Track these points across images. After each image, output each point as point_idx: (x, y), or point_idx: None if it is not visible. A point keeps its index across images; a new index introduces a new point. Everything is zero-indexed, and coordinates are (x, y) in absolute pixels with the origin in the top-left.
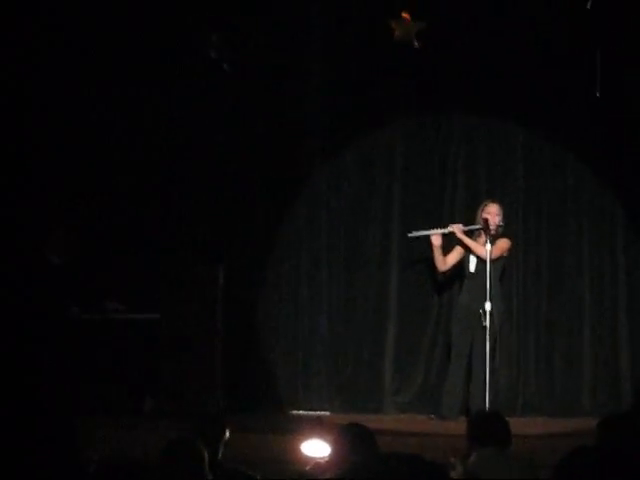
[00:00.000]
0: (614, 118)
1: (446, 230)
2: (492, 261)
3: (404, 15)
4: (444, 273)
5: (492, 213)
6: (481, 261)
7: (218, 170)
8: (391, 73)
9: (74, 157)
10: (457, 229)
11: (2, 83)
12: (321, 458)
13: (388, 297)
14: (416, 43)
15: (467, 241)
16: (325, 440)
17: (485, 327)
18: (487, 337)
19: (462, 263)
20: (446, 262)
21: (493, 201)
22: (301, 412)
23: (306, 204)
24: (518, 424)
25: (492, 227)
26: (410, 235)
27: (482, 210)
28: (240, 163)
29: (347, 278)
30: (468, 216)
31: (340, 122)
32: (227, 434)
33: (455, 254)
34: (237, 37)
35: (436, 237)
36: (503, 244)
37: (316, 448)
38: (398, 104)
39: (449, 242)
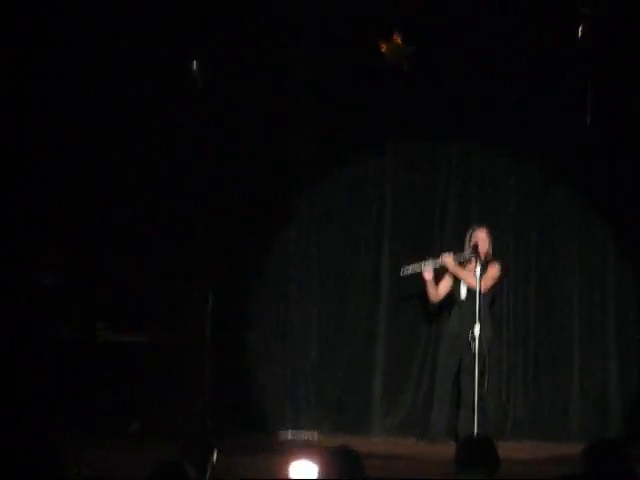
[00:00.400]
0: (604, 148)
1: (437, 263)
2: (483, 291)
3: (394, 38)
4: (436, 303)
5: (480, 238)
6: (471, 289)
7: (208, 195)
8: (382, 100)
9: (62, 177)
10: (448, 261)
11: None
12: None
13: (378, 321)
14: (406, 66)
15: (459, 272)
16: (313, 462)
17: (474, 352)
18: (476, 362)
19: (452, 290)
20: (439, 293)
21: (480, 226)
22: (289, 433)
23: (296, 231)
24: (507, 448)
25: (482, 253)
26: (403, 274)
27: (470, 236)
28: (230, 189)
29: (337, 302)
30: (458, 243)
31: (330, 149)
32: (215, 455)
33: (446, 283)
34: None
35: (428, 272)
36: (494, 271)
37: (304, 470)
38: (389, 131)
39: (439, 270)
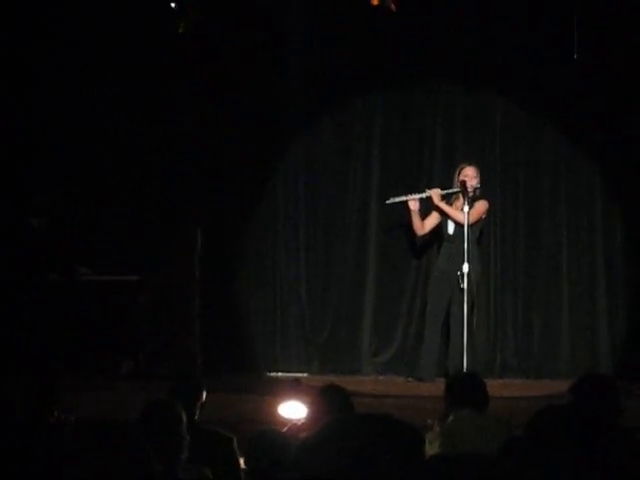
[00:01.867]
0: (592, 82)
1: (424, 195)
2: (470, 225)
3: None
4: (422, 237)
5: (469, 175)
6: (459, 224)
7: (199, 135)
8: (369, 41)
9: (56, 119)
10: (434, 194)
11: None
12: (298, 419)
13: (367, 260)
14: (393, 7)
15: (444, 207)
16: (302, 402)
17: (463, 289)
18: (465, 299)
19: (440, 226)
20: (424, 226)
21: (470, 164)
22: (279, 374)
23: (285, 170)
24: (496, 386)
25: (469, 189)
26: (388, 202)
27: (459, 173)
28: (220, 129)
29: (326, 242)
30: (445, 183)
31: (318, 91)
32: (204, 395)
33: (433, 218)
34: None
35: (414, 202)
36: (480, 207)
37: (293, 409)
38: (376, 73)
39: (427, 208)
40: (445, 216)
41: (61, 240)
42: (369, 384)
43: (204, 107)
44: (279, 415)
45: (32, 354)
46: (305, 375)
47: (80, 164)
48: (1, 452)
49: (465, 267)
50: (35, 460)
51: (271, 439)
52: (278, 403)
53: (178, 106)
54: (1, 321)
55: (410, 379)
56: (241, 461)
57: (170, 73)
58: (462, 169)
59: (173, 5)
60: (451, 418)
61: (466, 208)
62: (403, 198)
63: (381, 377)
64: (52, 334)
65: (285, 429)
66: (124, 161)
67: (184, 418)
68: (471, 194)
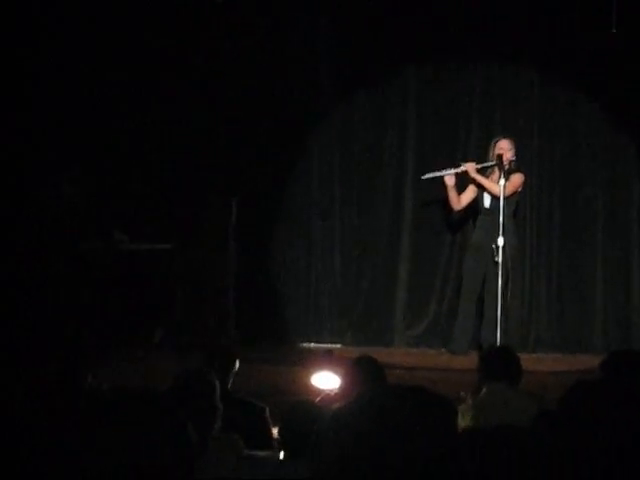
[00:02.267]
0: (629, 58)
1: (459, 169)
2: (506, 198)
3: None
4: (459, 212)
5: (504, 148)
6: (495, 197)
7: (233, 104)
8: (404, 15)
9: (85, 92)
10: (470, 167)
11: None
12: (331, 390)
13: (401, 233)
14: None
15: (481, 180)
16: (335, 372)
17: (497, 263)
18: (499, 273)
19: (476, 200)
20: (460, 201)
21: (505, 137)
22: (312, 345)
23: (320, 142)
24: (529, 360)
25: (505, 162)
26: (423, 177)
27: (494, 146)
28: (256, 99)
29: (360, 215)
30: (482, 156)
31: (355, 63)
32: (237, 365)
33: (469, 192)
34: None
35: (449, 177)
36: (517, 179)
37: (326, 380)
38: (410, 46)
39: (463, 181)
40: (481, 189)
41: (95, 208)
42: (402, 356)
43: (239, 80)
44: (312, 385)
45: (66, 322)
46: (338, 346)
47: (114, 133)
48: (32, 416)
49: (500, 240)
50: (68, 426)
51: (305, 410)
52: (311, 374)
53: (213, 78)
54: (36, 289)
55: (443, 351)
56: (274, 431)
57: (205, 46)
58: (497, 142)
59: None
60: (484, 391)
61: (502, 181)
62: (438, 173)
63: (414, 350)
64: (86, 302)
65: (318, 399)
66: (159, 130)
67: (217, 387)
68: (507, 167)
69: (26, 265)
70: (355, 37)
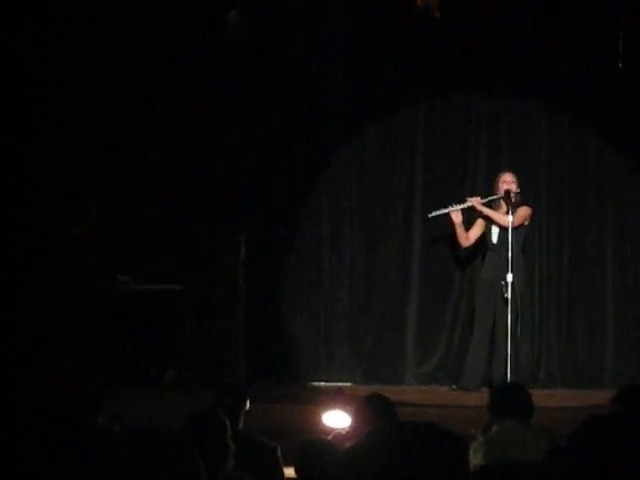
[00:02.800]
0: (636, 91)
1: (465, 205)
2: (514, 229)
3: None
4: (467, 249)
5: (507, 181)
6: (503, 231)
7: (242, 140)
8: (413, 50)
9: (94, 128)
10: (476, 202)
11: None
12: (342, 428)
13: (410, 270)
14: (437, 14)
15: (488, 212)
16: (346, 411)
17: (507, 299)
18: (509, 309)
19: (484, 235)
20: (469, 237)
21: (508, 170)
22: (322, 383)
23: (329, 178)
24: (540, 396)
25: (511, 196)
26: (430, 215)
27: (499, 180)
28: (264, 135)
29: (369, 251)
30: (490, 190)
31: (363, 99)
32: (248, 404)
33: (477, 228)
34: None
35: (456, 214)
36: (524, 212)
37: (337, 419)
38: (420, 82)
39: (470, 217)
40: (489, 223)
41: (104, 249)
42: (412, 393)
43: (249, 116)
44: (323, 424)
45: (76, 362)
46: (349, 384)
47: (122, 172)
48: (46, 456)
49: (509, 276)
50: (81, 466)
51: (319, 448)
52: (322, 412)
53: (223, 115)
54: (46, 329)
55: (454, 387)
56: (285, 470)
57: (217, 84)
58: (501, 175)
59: (231, 13)
60: (495, 428)
61: (510, 217)
62: (445, 210)
63: (424, 387)
64: (96, 342)
65: (329, 438)
66: (167, 169)
67: (228, 426)
68: (513, 200)
69: (37, 306)
70: (365, 71)
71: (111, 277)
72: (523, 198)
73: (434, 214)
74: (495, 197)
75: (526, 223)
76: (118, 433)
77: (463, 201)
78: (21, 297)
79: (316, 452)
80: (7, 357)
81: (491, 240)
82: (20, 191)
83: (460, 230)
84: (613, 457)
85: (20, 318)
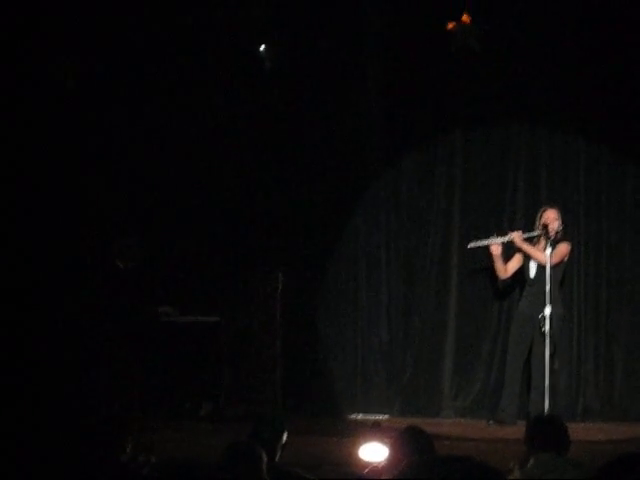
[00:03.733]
0: None
1: (505, 239)
2: (552, 267)
3: (464, 18)
4: (505, 281)
5: (551, 218)
6: (541, 267)
7: (279, 175)
8: (452, 81)
9: (137, 162)
10: (517, 237)
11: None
12: (379, 462)
13: (448, 302)
14: (476, 47)
15: (527, 248)
16: (383, 443)
17: (544, 332)
18: (547, 342)
19: (522, 270)
20: (507, 270)
21: (551, 206)
22: (359, 416)
23: (366, 211)
24: (578, 429)
25: (551, 232)
26: (470, 246)
27: (541, 216)
28: (301, 170)
29: (407, 283)
30: (528, 223)
31: (401, 130)
32: (285, 437)
33: (515, 261)
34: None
35: (496, 246)
36: (563, 249)
37: (374, 452)
38: (458, 113)
39: (509, 250)
40: (527, 258)
41: (147, 282)
42: (449, 427)
43: (286, 149)
44: (359, 457)
45: (114, 393)
46: (386, 417)
47: (162, 207)
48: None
49: (547, 310)
50: None
51: None
52: (359, 445)
53: (261, 149)
54: (88, 361)
55: (491, 422)
56: None
57: (254, 117)
58: (544, 212)
59: (262, 47)
60: (532, 461)
61: (548, 251)
62: (485, 242)
63: (462, 420)
64: (134, 374)
65: (366, 471)
66: (206, 203)
67: (265, 459)
68: (553, 237)
69: (79, 336)
70: (403, 103)
71: (154, 309)
72: (564, 235)
73: (474, 245)
74: (536, 234)
75: (565, 259)
76: (144, 465)
77: (504, 234)
78: (64, 327)
79: None
80: (49, 384)
81: (529, 275)
82: (65, 222)
83: (499, 262)
84: None
85: (62, 347)
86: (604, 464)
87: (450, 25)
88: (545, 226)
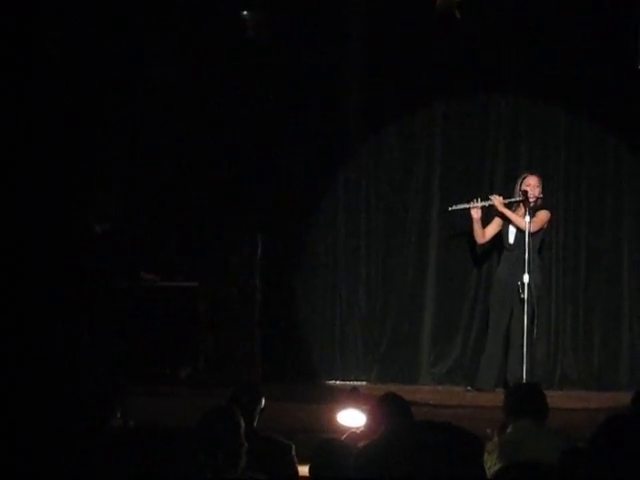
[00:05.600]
0: None
1: (486, 203)
2: (531, 234)
3: None
4: (483, 245)
5: (531, 185)
6: (520, 233)
7: (260, 139)
8: (432, 50)
9: (118, 125)
10: (497, 201)
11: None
12: (356, 428)
13: (427, 269)
14: (458, 14)
15: (507, 213)
16: (361, 410)
17: (523, 300)
18: (525, 310)
19: (501, 235)
20: (485, 235)
21: (532, 173)
22: (337, 382)
23: (346, 176)
24: (555, 397)
25: (531, 199)
26: (450, 209)
27: (521, 182)
28: (281, 135)
29: (386, 249)
30: (508, 190)
31: (381, 98)
32: (263, 403)
33: (494, 226)
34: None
35: (475, 210)
36: (542, 216)
37: (352, 418)
38: (439, 82)
39: (488, 215)
40: (507, 223)
41: (124, 247)
42: (427, 393)
43: (266, 115)
44: (338, 423)
45: (95, 359)
46: (364, 384)
47: (141, 171)
48: (63, 452)
49: (526, 277)
50: (96, 461)
51: (334, 448)
52: (337, 411)
53: (239, 114)
54: (65, 327)
55: (469, 389)
56: (300, 469)
57: (232, 83)
58: (524, 178)
59: (244, 13)
60: (510, 429)
61: (527, 218)
62: (466, 205)
63: (440, 387)
64: (114, 339)
65: (344, 437)
66: (186, 168)
67: (243, 425)
68: (532, 204)
69: (55, 303)
70: (384, 71)
71: (137, 274)
72: (543, 202)
73: (455, 208)
74: (516, 200)
75: (545, 227)
76: (132, 430)
77: (485, 198)
78: (38, 293)
79: (331, 452)
80: (24, 354)
81: (508, 240)
82: (40, 188)
83: (477, 226)
84: (634, 458)
85: (37, 315)
86: (594, 432)
87: None
88: (525, 192)
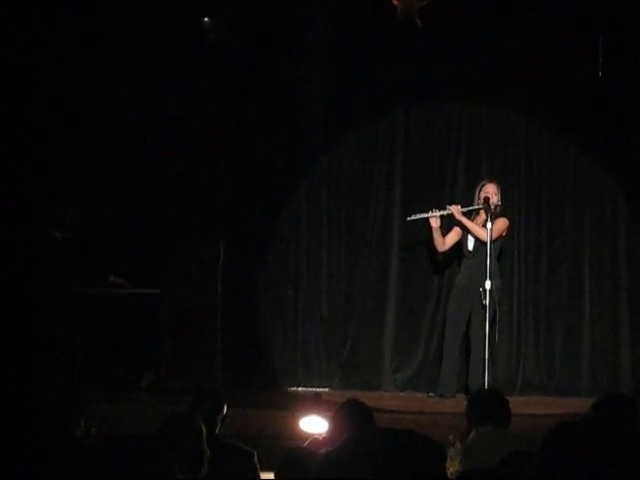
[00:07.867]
0: (615, 102)
1: (445, 212)
2: (491, 241)
3: None
4: (443, 253)
5: (489, 192)
6: (479, 241)
7: (221, 147)
8: (392, 58)
9: (76, 132)
10: (455, 210)
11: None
12: (319, 434)
13: (388, 276)
14: (418, 21)
15: (466, 222)
16: (323, 416)
17: (485, 305)
18: (486, 316)
19: (460, 243)
20: (445, 243)
21: (491, 181)
22: (299, 389)
23: (308, 184)
24: (517, 403)
25: (492, 206)
26: (409, 218)
27: (480, 190)
28: (243, 142)
29: (347, 257)
30: (469, 198)
31: (342, 105)
32: (225, 409)
33: (454, 234)
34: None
35: (435, 219)
36: (500, 224)
37: (314, 424)
38: (399, 90)
39: (448, 223)
40: (466, 232)
41: (87, 252)
42: (390, 400)
43: (227, 122)
44: (300, 430)
45: (57, 366)
46: (326, 390)
47: (101, 176)
48: (26, 463)
49: (487, 284)
50: (57, 473)
51: (300, 455)
52: (299, 418)
53: (201, 122)
54: (26, 334)
55: (431, 395)
56: (262, 476)
57: (195, 91)
58: (483, 186)
59: (206, 20)
60: (473, 434)
61: (489, 224)
62: (424, 215)
63: (402, 393)
64: (75, 346)
65: (306, 444)
66: (147, 174)
67: (204, 431)
68: (493, 211)
69: (15, 309)
70: (344, 78)
71: (104, 278)
72: (503, 210)
73: (413, 217)
74: (476, 207)
75: (503, 234)
76: (94, 438)
77: (443, 208)
78: (5, 299)
79: (297, 460)
80: None
81: (467, 248)
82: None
83: (437, 235)
84: (583, 463)
85: (3, 321)
86: (545, 436)
87: (395, 1)
88: (486, 199)
